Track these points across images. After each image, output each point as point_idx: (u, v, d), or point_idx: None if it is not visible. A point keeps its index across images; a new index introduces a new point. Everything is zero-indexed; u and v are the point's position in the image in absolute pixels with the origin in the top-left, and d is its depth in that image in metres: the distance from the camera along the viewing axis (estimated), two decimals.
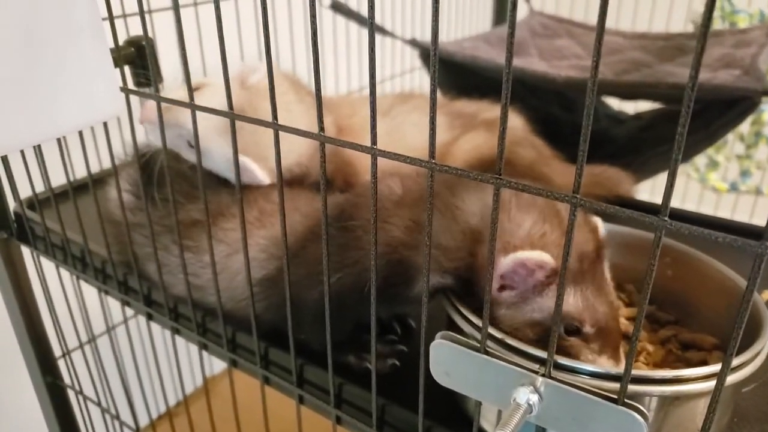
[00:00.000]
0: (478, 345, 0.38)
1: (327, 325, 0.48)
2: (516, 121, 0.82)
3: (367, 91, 0.35)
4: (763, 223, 0.27)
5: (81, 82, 0.45)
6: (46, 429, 1.02)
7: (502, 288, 0.47)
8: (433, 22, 0.32)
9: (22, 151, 0.78)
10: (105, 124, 0.63)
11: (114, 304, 0.86)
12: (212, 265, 0.56)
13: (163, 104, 0.53)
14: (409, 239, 0.50)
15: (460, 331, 0.47)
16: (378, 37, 1.10)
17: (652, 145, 1.00)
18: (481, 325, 0.38)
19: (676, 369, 0.41)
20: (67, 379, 0.98)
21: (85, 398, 0.98)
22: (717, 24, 1.37)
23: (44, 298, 0.90)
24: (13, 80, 0.42)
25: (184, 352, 1.46)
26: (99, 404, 0.98)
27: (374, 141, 0.37)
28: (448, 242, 0.49)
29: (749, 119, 1.30)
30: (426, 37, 1.35)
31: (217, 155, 0.64)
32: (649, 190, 1.12)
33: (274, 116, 0.43)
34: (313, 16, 0.37)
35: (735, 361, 0.41)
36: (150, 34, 0.80)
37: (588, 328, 0.47)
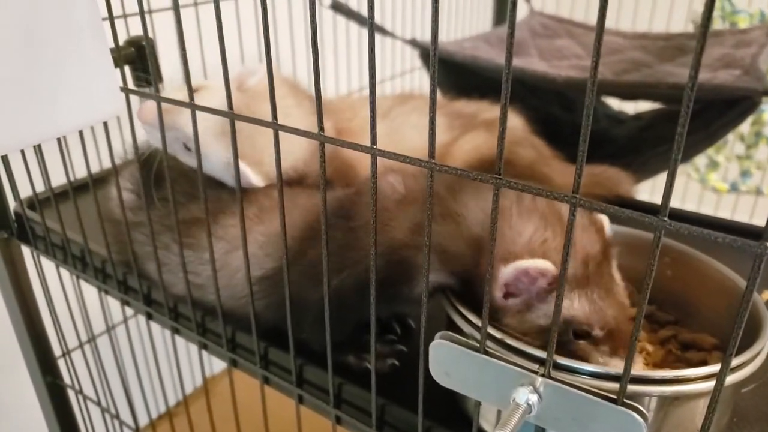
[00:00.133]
0: (478, 345, 0.38)
1: (327, 325, 0.48)
2: (516, 121, 0.82)
3: (367, 91, 0.35)
4: (763, 224, 0.27)
5: (81, 81, 0.45)
6: (46, 429, 1.03)
7: (507, 295, 0.47)
8: (432, 22, 0.32)
9: (22, 151, 0.78)
10: (105, 124, 0.63)
11: (114, 304, 0.86)
12: (212, 263, 0.56)
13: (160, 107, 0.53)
14: (411, 240, 0.50)
15: (460, 331, 0.47)
16: (378, 37, 1.10)
17: (652, 145, 1.00)
18: (480, 325, 0.38)
19: (675, 369, 0.41)
20: (67, 379, 0.98)
21: (85, 398, 0.98)
22: (717, 24, 1.37)
23: (44, 298, 0.90)
24: (13, 80, 0.42)
25: (183, 352, 1.46)
26: (99, 404, 0.98)
27: (374, 141, 0.37)
28: (450, 247, 0.49)
29: (749, 119, 1.30)
30: (426, 37, 1.35)
31: (213, 158, 0.63)
32: (649, 191, 1.12)
33: (274, 116, 0.43)
34: (313, 16, 0.37)
35: (735, 362, 0.41)
36: (150, 34, 0.80)
37: (597, 332, 0.46)
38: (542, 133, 0.83)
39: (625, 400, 0.33)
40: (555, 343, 0.35)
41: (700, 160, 1.51)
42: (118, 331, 1.00)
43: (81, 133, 0.66)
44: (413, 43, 1.11)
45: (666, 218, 0.28)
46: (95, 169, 0.73)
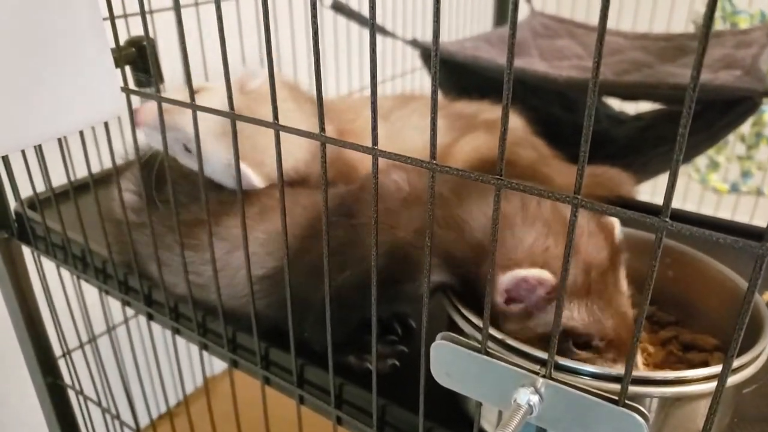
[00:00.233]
0: (479, 346, 0.38)
1: (328, 325, 0.47)
2: (516, 122, 0.82)
3: (367, 92, 0.35)
4: (763, 224, 0.27)
5: (82, 81, 0.45)
6: (46, 429, 1.02)
7: (509, 301, 0.47)
8: (434, 22, 0.32)
9: (22, 151, 0.78)
10: (106, 124, 0.63)
11: (114, 304, 0.86)
12: (212, 263, 0.56)
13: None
14: (415, 240, 0.50)
15: (461, 332, 0.47)
16: (379, 38, 1.10)
17: (653, 145, 1.00)
18: (481, 325, 0.38)
19: (677, 370, 0.41)
20: (67, 379, 0.98)
21: (86, 398, 0.98)
22: (718, 24, 1.37)
23: (45, 298, 0.90)
24: (14, 80, 0.42)
25: (184, 352, 1.46)
26: (99, 404, 0.98)
27: (375, 141, 0.37)
28: (453, 250, 0.49)
29: (750, 120, 1.30)
30: (427, 37, 1.35)
31: (213, 159, 0.63)
32: (650, 191, 1.12)
33: (275, 117, 0.43)
34: (314, 16, 0.37)
35: (736, 363, 0.41)
36: (151, 34, 0.80)
37: (597, 342, 0.46)
38: (543, 134, 0.83)
39: (626, 401, 0.33)
40: (556, 343, 0.35)
41: (701, 160, 1.51)
42: (119, 332, 1.00)
43: (81, 132, 0.66)
44: (414, 43, 1.11)
45: (668, 219, 0.28)
46: (96, 168, 0.73)
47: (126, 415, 0.97)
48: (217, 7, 0.43)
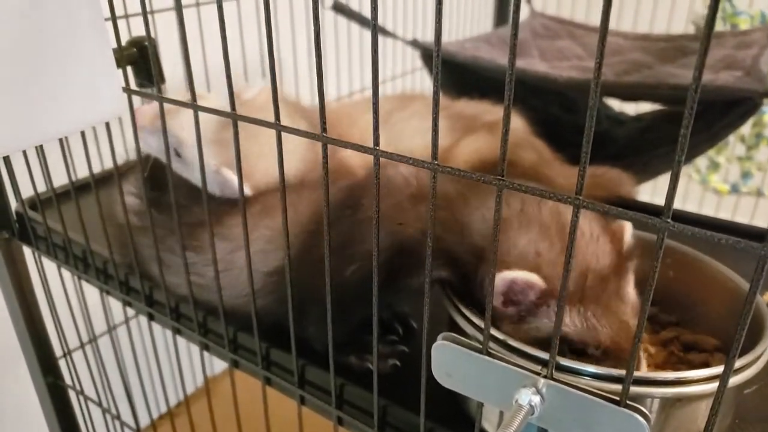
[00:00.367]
0: (480, 346, 0.38)
1: (329, 325, 0.47)
2: (517, 123, 0.82)
3: (368, 92, 0.35)
4: (764, 225, 0.27)
5: (83, 82, 0.46)
6: (46, 429, 1.02)
7: (506, 303, 0.47)
8: (436, 22, 0.32)
9: (24, 151, 0.78)
10: (107, 124, 0.63)
11: (115, 304, 0.86)
12: (214, 263, 0.56)
13: (154, 112, 0.53)
14: (422, 236, 0.50)
15: (462, 332, 0.47)
16: (379, 38, 1.10)
17: (653, 146, 1.00)
18: (483, 325, 0.38)
19: (678, 371, 0.41)
20: (67, 379, 0.98)
21: (86, 398, 0.98)
22: (718, 25, 1.37)
23: (45, 298, 0.90)
24: (15, 80, 0.42)
25: (185, 353, 1.46)
26: (100, 404, 0.98)
27: (376, 142, 0.37)
28: (455, 251, 0.49)
29: (750, 121, 1.30)
30: (427, 37, 1.35)
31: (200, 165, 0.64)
32: (650, 192, 1.12)
33: (276, 116, 0.43)
34: (316, 17, 0.37)
35: (737, 363, 0.41)
36: (152, 35, 0.80)
37: (592, 350, 0.46)
38: (543, 134, 0.83)
39: (627, 402, 0.33)
40: (557, 344, 0.35)
41: (701, 161, 1.51)
42: (120, 332, 1.00)
43: (83, 132, 0.66)
44: (414, 44, 1.11)
45: (669, 220, 0.28)
46: (97, 169, 0.73)
47: (126, 416, 0.97)
48: (219, 8, 0.43)
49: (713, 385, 0.39)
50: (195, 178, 0.66)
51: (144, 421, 1.02)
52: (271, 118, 0.43)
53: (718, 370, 0.40)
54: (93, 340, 0.96)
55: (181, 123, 0.63)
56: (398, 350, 0.58)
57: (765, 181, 1.50)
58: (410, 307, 0.64)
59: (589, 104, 0.28)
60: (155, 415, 1.05)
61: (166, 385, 0.91)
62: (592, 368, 0.41)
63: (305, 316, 0.54)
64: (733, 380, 0.41)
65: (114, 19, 0.52)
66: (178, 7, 0.47)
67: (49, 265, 0.88)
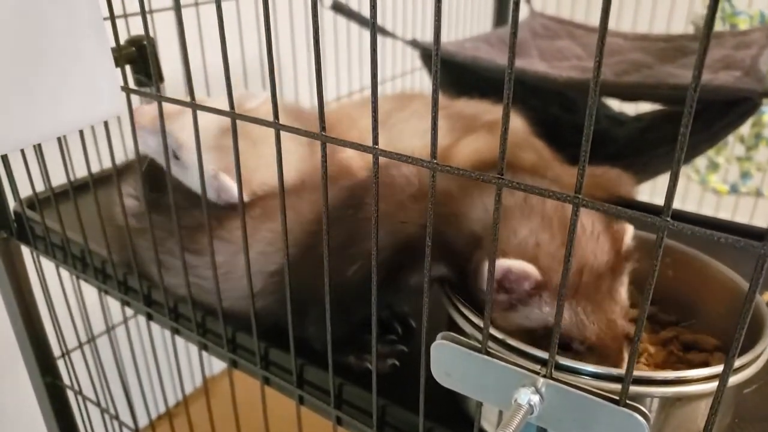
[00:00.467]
0: (479, 345, 0.38)
1: (327, 324, 0.47)
2: (516, 122, 0.82)
3: (367, 92, 0.35)
4: (763, 225, 0.27)
5: (82, 80, 0.45)
6: (45, 429, 1.02)
7: (498, 290, 0.47)
8: (435, 20, 0.32)
9: (22, 151, 0.78)
10: (106, 124, 0.63)
11: (114, 305, 0.86)
12: (212, 264, 0.56)
13: (154, 112, 0.53)
14: (424, 234, 0.50)
15: (461, 332, 0.47)
16: (378, 38, 1.10)
17: (653, 146, 1.00)
18: (482, 325, 0.38)
19: (677, 370, 0.41)
20: (66, 379, 0.98)
21: (85, 398, 0.98)
22: (717, 25, 1.37)
23: (44, 298, 0.90)
24: (14, 79, 0.42)
25: (183, 353, 1.46)
26: (98, 404, 0.98)
27: (376, 141, 0.37)
28: (453, 244, 0.49)
29: (750, 121, 1.30)
30: (426, 37, 1.35)
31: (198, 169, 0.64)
32: (649, 192, 1.12)
33: (276, 116, 0.43)
34: (315, 16, 0.37)
35: (737, 363, 0.41)
36: (150, 34, 0.80)
37: (577, 345, 0.46)
38: (542, 134, 0.83)
39: (627, 401, 0.33)
40: (557, 343, 0.35)
41: (701, 161, 1.51)
42: (118, 332, 1.00)
43: (81, 132, 0.66)
44: (414, 43, 1.11)
45: (669, 218, 0.28)
46: (95, 168, 0.72)
47: (125, 416, 0.97)
48: (218, 7, 0.43)
49: (713, 385, 0.39)
50: (192, 182, 0.66)
51: (143, 421, 1.02)
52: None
53: (718, 369, 0.40)
54: (91, 340, 0.96)
55: (182, 125, 0.63)
56: (397, 350, 0.57)
57: (764, 181, 1.50)
58: (409, 306, 0.64)
59: (589, 102, 0.28)
60: (154, 416, 1.05)
61: (164, 386, 0.91)
62: (591, 368, 0.40)
63: (306, 316, 0.54)
64: (733, 379, 0.41)
65: (113, 18, 0.52)
66: (177, 7, 0.47)
67: (48, 265, 0.87)
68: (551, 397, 0.36)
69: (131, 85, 0.64)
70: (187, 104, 0.49)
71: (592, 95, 0.28)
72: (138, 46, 0.78)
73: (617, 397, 0.33)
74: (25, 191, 0.84)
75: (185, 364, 1.50)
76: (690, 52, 1.09)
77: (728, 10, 1.37)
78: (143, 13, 0.50)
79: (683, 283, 0.56)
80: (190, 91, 0.49)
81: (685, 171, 1.51)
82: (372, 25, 0.34)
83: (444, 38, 1.56)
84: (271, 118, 0.43)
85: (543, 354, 0.41)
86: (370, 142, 0.38)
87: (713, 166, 1.50)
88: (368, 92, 0.36)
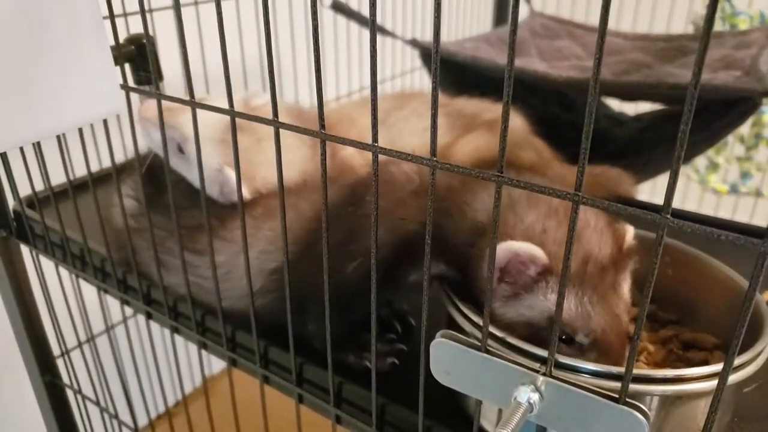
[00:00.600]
0: (479, 344, 0.38)
1: (327, 322, 0.47)
2: (516, 121, 0.82)
3: (366, 92, 0.35)
4: (763, 225, 0.27)
5: (82, 78, 0.45)
6: (44, 428, 1.02)
7: (500, 280, 0.46)
8: (435, 17, 0.32)
9: (21, 150, 0.78)
10: (105, 123, 0.63)
11: (113, 304, 0.86)
12: (212, 262, 0.56)
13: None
14: (425, 231, 0.50)
15: (461, 330, 0.46)
16: (378, 38, 1.10)
17: (653, 146, 1.00)
18: (481, 323, 0.38)
19: (677, 369, 0.41)
20: (65, 379, 0.98)
21: (84, 397, 0.98)
22: (717, 25, 1.37)
23: (43, 297, 0.90)
24: (14, 77, 0.42)
25: (183, 352, 1.46)
26: (98, 403, 0.98)
27: (375, 138, 0.37)
28: (454, 237, 0.49)
29: (749, 121, 1.30)
30: (426, 37, 1.35)
31: (204, 164, 0.64)
32: (649, 192, 1.12)
33: (275, 114, 0.43)
34: (314, 13, 0.37)
35: (736, 361, 0.41)
36: (150, 33, 0.79)
37: (581, 337, 0.45)
38: (542, 133, 0.83)
39: (627, 399, 0.33)
40: (557, 341, 0.35)
41: (700, 161, 1.51)
42: (118, 331, 1.00)
43: (81, 131, 0.66)
44: (414, 43, 1.11)
45: (669, 215, 0.28)
46: (95, 168, 0.72)
47: (124, 415, 0.97)
48: (217, 5, 0.43)
49: (712, 383, 0.39)
50: (196, 177, 0.66)
51: (142, 420, 1.02)
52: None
53: (718, 367, 0.40)
54: (91, 339, 0.96)
55: (188, 118, 0.63)
56: (397, 348, 0.57)
57: (764, 181, 1.50)
58: (409, 305, 0.64)
59: (589, 99, 0.28)
60: (153, 415, 1.05)
61: (164, 385, 0.91)
62: (591, 366, 0.40)
63: (306, 314, 0.54)
64: (733, 378, 0.41)
65: (112, 17, 0.52)
66: (177, 6, 0.47)
67: (47, 264, 0.87)
68: (551, 396, 0.36)
69: (131, 83, 0.64)
70: (187, 102, 0.49)
71: (592, 92, 0.28)
72: (137, 44, 0.78)
73: (617, 396, 0.33)
74: (24, 190, 0.84)
75: (185, 363, 1.50)
76: (690, 52, 1.09)
77: (728, 10, 1.37)
78: (143, 12, 0.50)
79: (683, 281, 0.56)
80: (190, 89, 0.49)
81: (684, 171, 1.51)
82: (372, 22, 0.34)
83: (444, 38, 1.56)
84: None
85: (543, 352, 0.41)
86: (369, 141, 0.38)
87: (713, 166, 1.50)
88: (368, 92, 0.36)
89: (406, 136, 0.75)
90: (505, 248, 0.44)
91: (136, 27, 0.77)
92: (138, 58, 0.77)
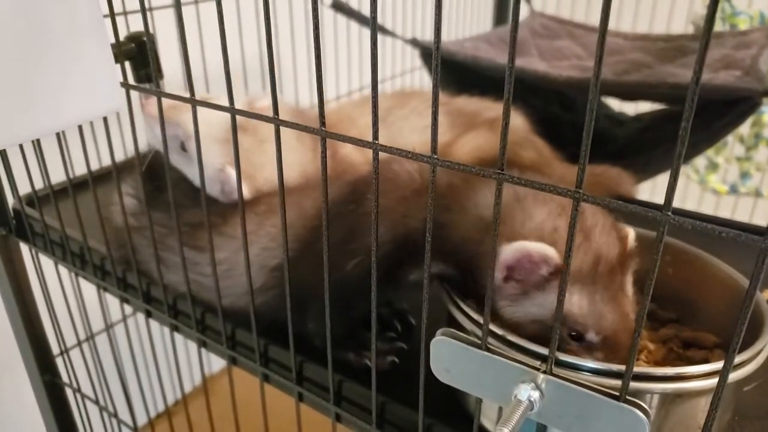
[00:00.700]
0: (479, 341, 0.38)
1: (327, 320, 0.47)
2: (517, 121, 0.82)
3: (367, 91, 0.35)
4: (763, 224, 0.27)
5: (82, 76, 0.45)
6: (43, 427, 1.02)
7: (507, 278, 0.46)
8: (435, 16, 0.32)
9: (21, 148, 0.78)
10: (105, 121, 0.62)
11: (113, 303, 0.86)
12: (212, 260, 0.56)
13: (166, 103, 0.53)
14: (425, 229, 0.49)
15: (461, 328, 0.46)
16: (378, 37, 1.10)
17: (653, 145, 1.00)
18: (482, 321, 0.38)
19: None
20: (65, 377, 0.98)
21: (83, 396, 0.98)
22: (717, 26, 1.37)
23: (42, 296, 0.90)
24: (15, 74, 0.42)
25: (183, 351, 1.46)
26: (97, 402, 0.98)
27: (376, 136, 0.37)
28: (456, 236, 0.49)
29: (749, 121, 1.30)
30: (426, 36, 1.35)
31: (205, 162, 0.64)
32: (649, 191, 1.12)
33: (275, 111, 0.43)
34: (315, 14, 0.37)
35: (737, 359, 0.41)
36: (150, 31, 0.79)
37: (592, 335, 0.45)
38: (543, 133, 0.83)
39: (627, 397, 0.33)
40: (557, 339, 0.35)
41: (700, 161, 1.51)
42: (117, 330, 0.99)
43: (81, 129, 0.66)
44: (414, 42, 1.11)
45: (670, 213, 0.28)
46: (95, 166, 0.72)
47: (124, 414, 0.97)
48: (218, 5, 0.43)
49: (713, 381, 0.39)
50: (197, 176, 0.66)
51: (142, 419, 1.02)
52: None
53: (718, 365, 0.40)
54: (90, 337, 0.96)
55: (191, 116, 0.63)
56: (396, 347, 0.57)
57: (764, 181, 1.50)
58: (409, 303, 0.64)
59: (590, 97, 0.28)
60: (153, 414, 1.05)
61: (164, 384, 0.91)
62: (591, 363, 0.40)
63: (306, 312, 0.54)
64: (733, 376, 0.41)
65: (112, 14, 0.52)
66: (177, 5, 0.47)
67: (47, 263, 0.87)
68: (551, 393, 0.36)
69: (131, 81, 0.63)
70: (187, 100, 0.49)
71: (592, 90, 0.28)
72: (137, 42, 0.78)
73: (617, 393, 0.33)
74: (24, 189, 0.84)
75: (184, 362, 1.50)
76: (690, 52, 1.09)
77: (728, 10, 1.37)
78: (143, 10, 0.50)
79: (683, 280, 0.56)
80: (190, 87, 0.49)
81: (684, 171, 1.50)
82: (372, 20, 0.34)
83: (444, 37, 1.56)
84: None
85: (543, 350, 0.41)
86: (370, 139, 0.38)
87: (712, 166, 1.50)
88: (368, 91, 0.36)
89: (407, 134, 0.75)
90: (518, 248, 0.44)
91: (136, 25, 0.77)
92: (138, 56, 0.77)
